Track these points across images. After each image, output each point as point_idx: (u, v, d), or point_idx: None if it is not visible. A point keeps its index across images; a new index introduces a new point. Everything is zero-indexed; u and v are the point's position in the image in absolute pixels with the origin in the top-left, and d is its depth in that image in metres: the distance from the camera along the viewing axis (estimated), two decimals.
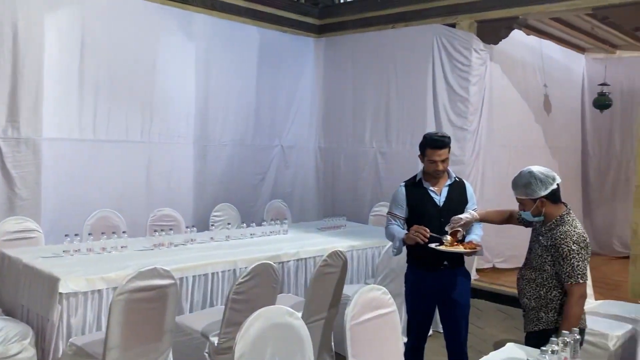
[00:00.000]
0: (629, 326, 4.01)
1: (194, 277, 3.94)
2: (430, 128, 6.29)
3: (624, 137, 8.39)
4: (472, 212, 3.33)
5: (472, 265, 5.84)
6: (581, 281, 2.68)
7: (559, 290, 2.76)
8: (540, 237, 2.84)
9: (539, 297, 2.81)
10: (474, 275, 6.31)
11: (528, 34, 7.23)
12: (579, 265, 2.68)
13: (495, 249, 6.86)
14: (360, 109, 7.25)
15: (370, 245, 5.11)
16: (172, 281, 3.19)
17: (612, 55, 8.56)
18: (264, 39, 7.07)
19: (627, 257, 8.06)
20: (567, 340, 2.34)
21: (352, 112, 7.35)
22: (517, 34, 6.69)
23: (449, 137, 3.43)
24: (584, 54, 8.63)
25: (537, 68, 7.52)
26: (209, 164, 6.63)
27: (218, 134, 6.70)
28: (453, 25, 6.42)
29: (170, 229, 4.72)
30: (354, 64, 7.31)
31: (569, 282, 2.69)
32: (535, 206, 2.81)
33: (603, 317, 4.24)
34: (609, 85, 7.83)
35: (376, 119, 7.06)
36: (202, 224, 5.91)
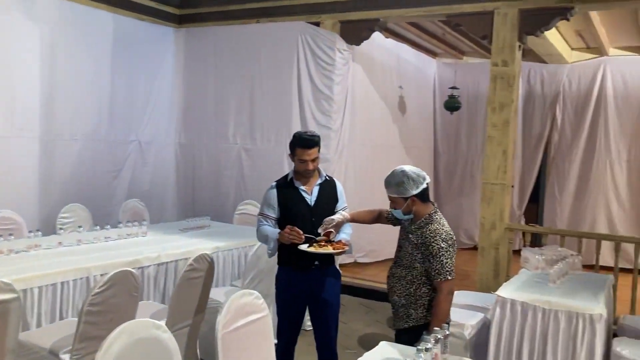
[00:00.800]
0: (481, 315, 4.29)
1: (40, 288, 3.51)
2: (296, 125, 6.27)
3: (470, 137, 9.09)
4: (344, 213, 3.34)
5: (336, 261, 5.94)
6: (450, 278, 2.78)
7: (428, 287, 2.84)
8: (410, 235, 2.90)
9: (409, 294, 2.86)
10: None
11: (387, 37, 7.52)
12: (447, 262, 2.77)
13: (356, 244, 7.02)
14: (223, 104, 7.02)
15: (236, 245, 4.95)
16: (14, 295, 2.80)
17: (460, 60, 9.22)
18: (118, 26, 6.57)
19: (473, 249, 8.78)
20: (439, 336, 2.40)
21: (214, 107, 7.08)
22: (377, 36, 6.91)
23: (318, 136, 3.40)
24: (436, 59, 9.19)
25: (394, 70, 7.85)
26: (57, 161, 6.01)
27: (67, 128, 6.09)
28: (317, 24, 6.46)
29: (10, 234, 4.17)
30: (216, 57, 7.06)
31: (439, 279, 2.77)
32: (407, 204, 2.87)
33: (458, 308, 4.49)
34: (458, 88, 8.41)
35: (240, 115, 6.88)
36: (48, 227, 5.33)
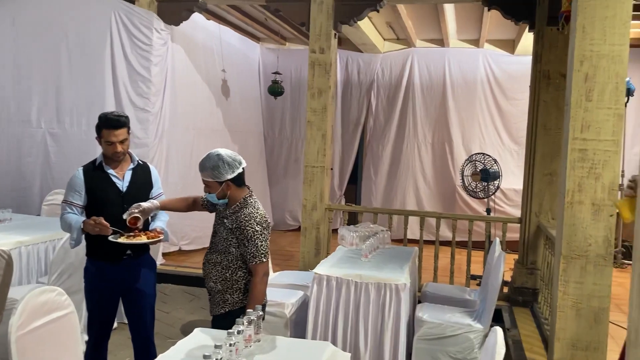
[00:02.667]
0: (301, 292, 4.44)
1: None
2: (110, 108, 5.89)
3: (294, 122, 9.33)
4: (154, 200, 3.21)
5: (158, 250, 5.73)
6: (264, 260, 2.81)
7: (244, 271, 2.86)
8: (225, 220, 2.88)
9: (224, 279, 2.85)
10: (160, 260, 6.21)
11: (208, 19, 7.37)
12: (262, 245, 2.80)
13: (180, 231, 6.87)
14: (24, 84, 6.32)
15: (43, 239, 4.53)
16: None
17: (282, 46, 9.38)
18: None
19: (298, 230, 9.07)
20: (252, 318, 2.43)
21: (12, 85, 6.34)
22: (198, 18, 6.74)
23: (126, 117, 3.22)
24: (259, 43, 9.24)
25: (217, 53, 7.74)
26: None
27: None
28: (132, 1, 6.11)
29: None
30: (16, 30, 6.32)
31: (254, 262, 2.79)
32: (221, 189, 2.84)
33: (279, 288, 4.61)
34: (281, 74, 8.55)
35: (45, 96, 6.26)
36: None
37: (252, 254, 2.79)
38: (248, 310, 2.52)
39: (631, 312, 1.88)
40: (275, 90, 8.58)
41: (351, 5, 5.68)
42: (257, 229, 2.79)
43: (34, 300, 2.40)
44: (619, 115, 3.27)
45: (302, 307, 4.25)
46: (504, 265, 3.82)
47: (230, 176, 2.82)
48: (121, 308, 3.52)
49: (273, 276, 4.92)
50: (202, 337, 2.58)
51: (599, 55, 3.25)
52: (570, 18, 3.64)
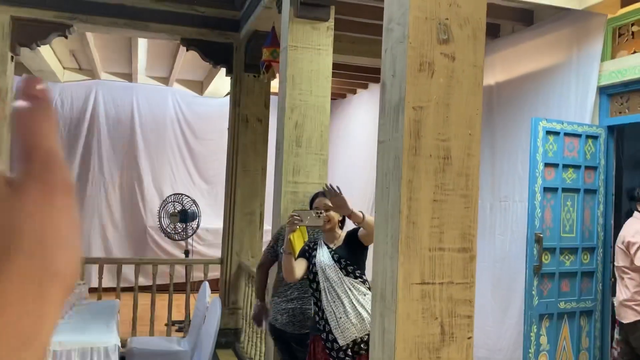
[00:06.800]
0: None
1: None
2: None
3: None
4: None
5: None
6: None
7: None
8: None
9: None
10: None
11: None
12: None
13: None
14: None
15: None
16: None
17: None
18: None
19: None
20: None
21: None
22: None
23: None
24: None
25: None
26: None
27: None
28: None
29: None
30: None
31: None
32: None
33: None
34: None
35: None
36: None
37: None
38: None
39: (374, 350, 1.99)
40: None
41: (35, 28, 4.97)
42: None
43: None
44: (324, 160, 3.56)
45: None
46: (219, 310, 3.73)
47: None
48: None
49: None
50: None
51: (307, 105, 3.50)
52: (277, 67, 3.86)
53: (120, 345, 3.38)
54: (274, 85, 4.89)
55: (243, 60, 5.38)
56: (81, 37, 6.15)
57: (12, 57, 4.96)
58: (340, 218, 2.93)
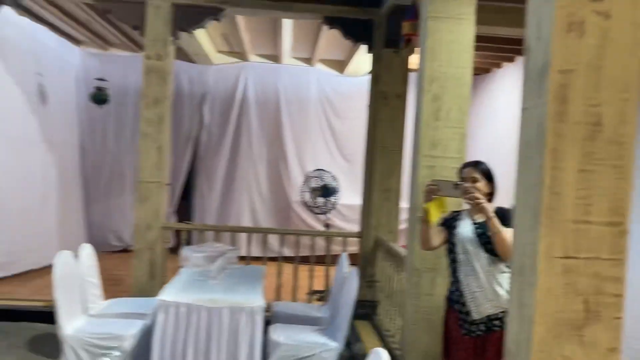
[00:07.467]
0: (140, 322, 4.00)
1: None
2: None
3: (119, 133, 8.61)
4: None
5: None
6: None
7: None
8: None
9: None
10: None
11: (21, 15, 6.49)
12: None
13: None
14: None
15: None
16: None
17: (105, 51, 8.64)
18: None
19: (123, 251, 8.36)
20: None
21: None
22: (9, 13, 5.88)
23: None
24: (79, 47, 8.41)
25: (31, 54, 6.84)
26: None
27: None
28: None
29: None
30: None
31: None
32: None
33: (114, 318, 4.13)
34: (106, 80, 7.84)
35: None
36: None
37: None
38: None
39: (511, 324, 1.93)
40: (100, 97, 7.83)
41: (191, 13, 5.39)
42: None
43: None
44: (463, 134, 3.48)
45: (144, 339, 3.82)
46: (357, 281, 3.83)
47: None
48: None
49: (104, 305, 4.39)
50: None
51: (446, 77, 3.42)
52: (417, 41, 3.82)
53: (264, 306, 3.61)
54: (413, 61, 4.84)
55: (383, 36, 5.38)
56: (231, 21, 6.54)
57: (172, 40, 5.42)
58: (489, 191, 2.82)
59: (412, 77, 5.02)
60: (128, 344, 3.71)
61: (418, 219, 3.34)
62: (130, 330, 3.81)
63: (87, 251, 4.36)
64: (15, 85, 6.43)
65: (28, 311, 5.24)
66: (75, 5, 6.13)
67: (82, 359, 3.64)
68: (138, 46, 7.98)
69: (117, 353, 2.05)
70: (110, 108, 8.32)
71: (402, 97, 5.44)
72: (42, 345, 4.68)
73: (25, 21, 6.64)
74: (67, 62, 7.96)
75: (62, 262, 3.77)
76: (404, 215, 5.91)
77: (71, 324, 3.76)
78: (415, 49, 4.80)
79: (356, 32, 5.50)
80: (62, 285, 3.70)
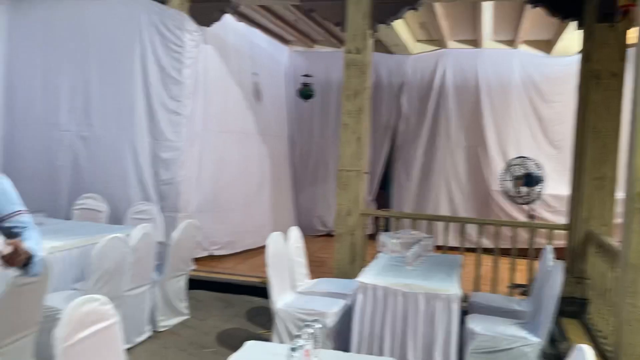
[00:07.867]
0: (342, 301, 4.25)
1: None
2: (141, 111, 5.79)
3: (323, 125, 9.16)
4: None
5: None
6: None
7: None
8: None
9: None
10: (191, 266, 6.07)
11: (239, 21, 7.25)
12: None
13: (210, 236, 6.73)
14: (52, 87, 6.19)
15: (77, 244, 4.40)
16: None
17: (310, 48, 9.23)
18: None
19: (326, 235, 8.89)
20: (311, 331, 2.26)
21: (42, 90, 6.21)
22: (229, 19, 6.61)
23: None
24: (287, 46, 9.11)
25: (247, 55, 7.61)
26: None
27: None
28: (163, 2, 5.99)
29: None
30: (46, 35, 6.23)
31: None
32: None
33: (319, 296, 4.44)
34: (312, 76, 8.39)
35: (74, 100, 6.12)
36: None
37: None
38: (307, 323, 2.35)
39: None
40: (306, 93, 8.42)
41: (389, 5, 5.50)
42: None
43: (78, 311, 2.25)
44: None
45: (344, 317, 4.06)
46: (562, 275, 3.59)
47: None
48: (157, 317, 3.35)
49: (311, 283, 4.75)
50: (255, 351, 2.41)
51: None
52: (636, 12, 3.42)
53: (460, 295, 3.58)
54: (632, 36, 4.34)
55: (596, 9, 4.90)
56: (429, 9, 6.52)
57: (371, 33, 5.60)
58: None
59: (631, 54, 4.50)
60: (330, 320, 3.97)
61: (637, 210, 3.02)
62: (333, 308, 4.07)
63: (295, 233, 4.75)
64: (236, 86, 7.23)
65: (247, 286, 5.90)
66: (284, 7, 6.66)
67: (290, 330, 4.00)
68: (340, 42, 8.38)
69: (320, 326, 2.24)
70: (315, 102, 8.88)
71: (618, 76, 4.91)
72: (258, 316, 5.24)
73: (243, 26, 7.41)
74: (277, 61, 8.69)
75: (273, 242, 4.18)
76: (620, 208, 5.35)
77: (281, 299, 4.15)
78: (635, 21, 4.30)
79: (564, 8, 5.10)
80: (273, 262, 4.11)
